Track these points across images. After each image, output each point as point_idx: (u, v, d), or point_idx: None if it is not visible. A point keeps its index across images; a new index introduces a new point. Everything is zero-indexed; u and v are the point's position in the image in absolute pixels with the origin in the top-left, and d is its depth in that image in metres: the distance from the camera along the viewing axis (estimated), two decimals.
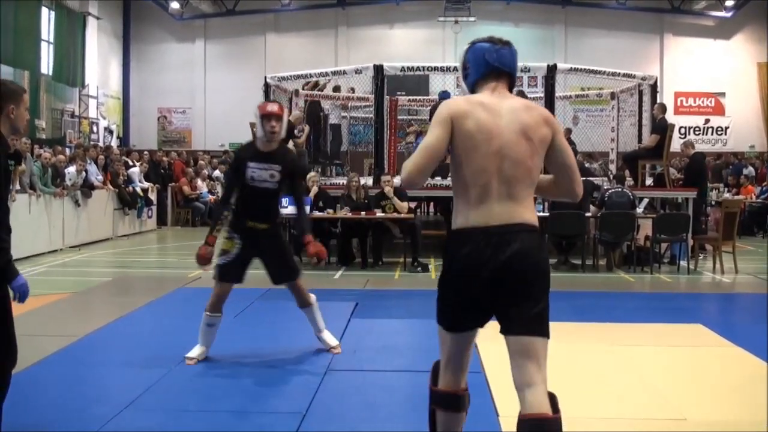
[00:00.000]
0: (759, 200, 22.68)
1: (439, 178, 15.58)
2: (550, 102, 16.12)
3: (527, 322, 4.05)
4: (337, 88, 19.90)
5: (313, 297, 7.85)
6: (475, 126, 3.96)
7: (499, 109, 4.03)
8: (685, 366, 7.37)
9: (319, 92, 19.37)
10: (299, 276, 7.64)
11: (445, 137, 3.97)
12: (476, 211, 3.97)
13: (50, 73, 27.26)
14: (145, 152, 25.39)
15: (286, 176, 7.24)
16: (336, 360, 7.37)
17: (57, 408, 5.95)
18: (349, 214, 14.12)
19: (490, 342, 7.83)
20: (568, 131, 19.87)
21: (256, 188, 7.17)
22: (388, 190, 14.23)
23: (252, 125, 16.46)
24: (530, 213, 4.07)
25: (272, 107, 7.35)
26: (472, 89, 4.24)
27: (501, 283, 3.96)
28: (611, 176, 16.15)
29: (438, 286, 4.20)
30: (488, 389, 6.40)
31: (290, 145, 16.34)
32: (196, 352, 7.35)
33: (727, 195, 22.10)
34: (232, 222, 7.35)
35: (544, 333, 4.14)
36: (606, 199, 14.12)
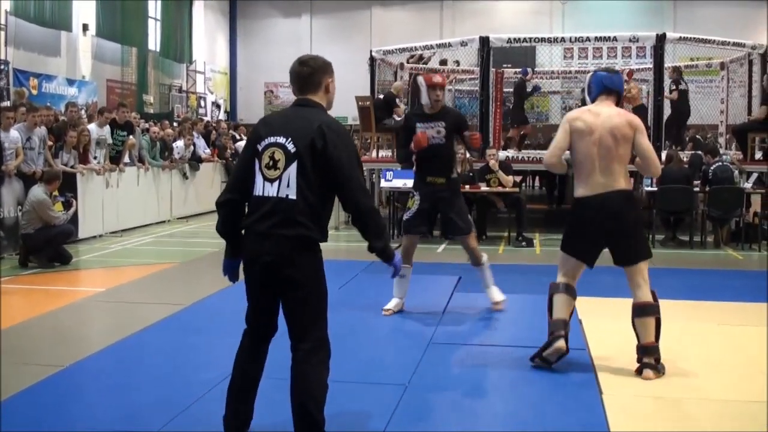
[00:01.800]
0: None
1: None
2: (658, 72, 15.81)
3: (635, 254, 6.30)
4: (443, 62, 19.86)
5: (485, 257, 8.47)
6: (582, 124, 6.19)
7: (599, 113, 6.22)
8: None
9: (424, 65, 19.36)
10: (470, 232, 8.23)
11: (567, 135, 6.26)
12: (584, 184, 6.23)
13: (158, 50, 27.81)
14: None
15: (453, 131, 8.10)
16: (439, 333, 7.40)
17: (164, 373, 6.13)
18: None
19: (595, 318, 7.87)
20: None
21: (428, 146, 7.97)
22: (493, 163, 14.17)
23: (358, 99, 16.61)
24: (622, 182, 6.21)
25: (437, 78, 8.13)
26: (593, 102, 6.40)
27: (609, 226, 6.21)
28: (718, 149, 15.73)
29: (566, 231, 6.57)
30: (592, 366, 6.36)
31: (394, 117, 16.41)
32: (392, 303, 8.31)
33: None
34: (414, 181, 8.33)
35: (644, 257, 6.33)
36: (711, 175, 13.84)
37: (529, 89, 18.50)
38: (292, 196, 4.32)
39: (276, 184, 4.35)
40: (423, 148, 7.99)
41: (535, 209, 17.62)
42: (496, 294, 8.50)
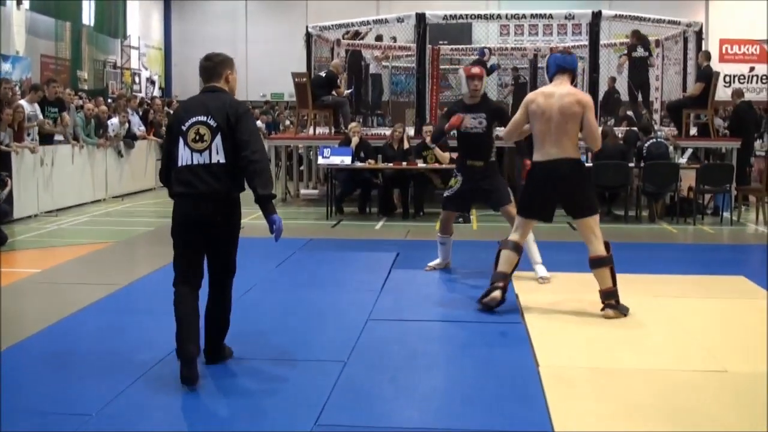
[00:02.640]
0: None
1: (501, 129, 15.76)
2: (594, 50, 15.94)
3: (581, 210, 7.34)
4: (379, 38, 19.80)
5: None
6: (536, 107, 7.24)
7: (552, 94, 7.25)
8: (727, 318, 7.33)
9: (361, 42, 19.30)
10: (510, 202, 8.84)
11: (525, 115, 7.38)
12: (539, 152, 7.30)
13: (92, 25, 27.35)
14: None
15: (492, 121, 8.87)
16: (377, 309, 7.42)
17: (100, 354, 6.05)
18: (391, 165, 14.11)
19: (532, 293, 7.96)
20: (612, 80, 19.65)
21: (470, 134, 8.79)
22: (430, 140, 14.21)
23: (295, 75, 16.54)
24: (571, 152, 7.25)
25: (476, 70, 8.92)
26: (551, 80, 7.46)
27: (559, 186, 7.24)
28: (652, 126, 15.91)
29: (523, 193, 7.68)
30: (529, 340, 6.42)
31: (333, 94, 16.37)
32: (435, 262, 9.36)
33: None
34: (457, 163, 9.18)
35: (590, 213, 7.32)
36: (645, 151, 14.02)
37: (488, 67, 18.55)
38: (222, 160, 5.47)
39: (206, 153, 5.47)
40: (457, 128, 8.77)
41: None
42: (541, 270, 8.80)
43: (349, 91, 17.89)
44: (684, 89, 17.00)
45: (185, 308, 5.55)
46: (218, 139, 5.47)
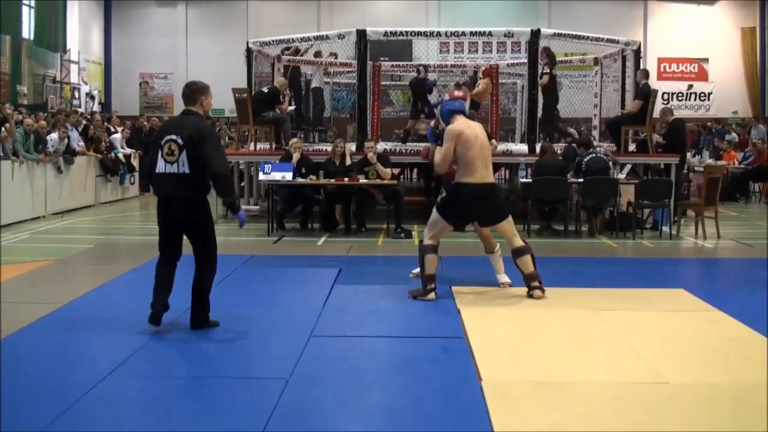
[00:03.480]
0: (741, 166, 22.73)
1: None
2: (533, 67, 16.08)
3: (494, 220, 8.59)
4: (318, 54, 19.79)
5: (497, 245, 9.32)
6: (467, 136, 8.33)
7: (471, 125, 8.49)
8: (667, 330, 7.40)
9: (301, 58, 19.28)
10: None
11: (453, 146, 8.34)
12: (472, 176, 8.32)
13: (31, 38, 27.00)
14: (127, 121, 25.16)
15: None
16: (320, 326, 7.37)
17: (41, 374, 5.93)
18: (332, 181, 14.09)
19: (474, 306, 7.98)
20: None
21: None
22: (372, 156, 14.23)
23: (235, 91, 16.45)
24: (491, 176, 8.59)
25: (461, 92, 9.34)
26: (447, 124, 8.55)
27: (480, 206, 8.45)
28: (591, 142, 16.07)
29: (446, 205, 8.65)
30: (471, 354, 6.42)
31: (275, 111, 16.33)
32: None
33: (709, 161, 22.17)
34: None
35: (504, 218, 8.58)
36: (584, 166, 14.15)
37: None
38: (187, 171, 6.95)
39: (175, 164, 6.97)
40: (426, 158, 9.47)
41: (413, 201, 17.70)
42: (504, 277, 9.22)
43: (292, 107, 17.85)
44: (622, 106, 17.20)
45: (160, 275, 7.26)
46: (184, 154, 6.93)
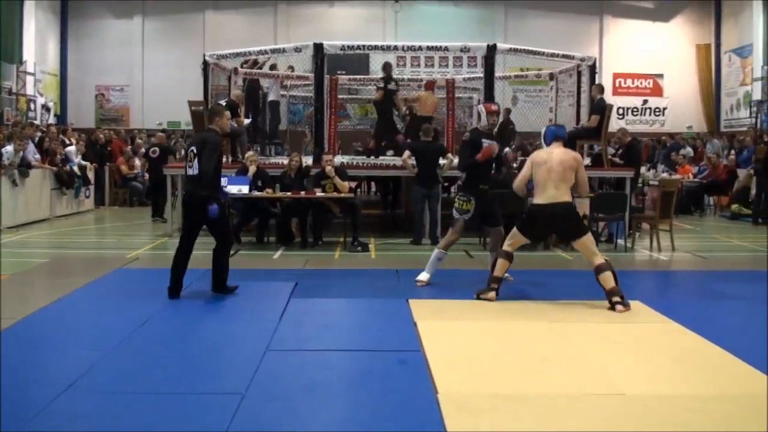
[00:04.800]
0: (696, 180, 22.98)
1: (391, 152, 16.90)
2: (489, 82, 16.17)
3: (571, 236, 9.31)
4: (273, 67, 19.77)
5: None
6: (540, 159, 9.14)
7: (551, 152, 9.17)
8: (623, 342, 7.46)
9: (258, 70, 19.25)
10: (501, 224, 10.46)
11: (530, 168, 9.22)
12: (540, 196, 9.10)
13: None
14: (82, 135, 24.92)
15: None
16: (276, 340, 7.35)
17: None
18: (289, 194, 14.05)
19: (431, 320, 8.00)
20: (507, 111, 19.98)
21: (488, 161, 10.25)
22: (330, 169, 14.22)
23: (191, 104, 16.39)
24: (566, 196, 9.07)
25: (494, 107, 10.56)
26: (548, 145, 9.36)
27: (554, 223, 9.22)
28: None
29: (525, 221, 9.33)
30: (428, 368, 6.43)
31: (233, 123, 16.28)
32: (424, 276, 10.17)
33: (664, 175, 22.39)
34: (467, 186, 10.29)
35: (583, 234, 9.13)
36: None
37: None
38: (195, 173, 9.08)
39: (191, 168, 9.14)
40: (490, 157, 10.16)
41: (370, 214, 17.73)
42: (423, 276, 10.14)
43: (249, 121, 17.81)
44: (578, 121, 17.33)
45: (177, 256, 9.25)
46: (195, 160, 9.08)
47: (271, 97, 19.93)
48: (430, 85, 18.39)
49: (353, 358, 6.98)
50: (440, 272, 9.51)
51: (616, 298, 8.68)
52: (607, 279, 8.79)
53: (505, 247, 9.38)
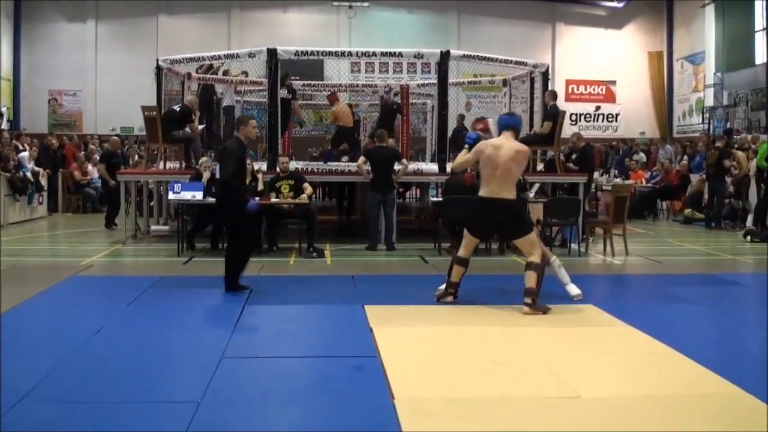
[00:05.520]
0: (649, 185, 23.23)
1: (346, 158, 17.03)
2: (442, 88, 16.22)
3: (512, 234, 9.41)
4: (226, 72, 19.69)
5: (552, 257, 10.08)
6: (486, 154, 9.09)
7: (500, 145, 9.13)
8: (578, 345, 7.52)
9: (213, 76, 19.16)
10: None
11: (474, 158, 9.32)
12: (484, 189, 9.13)
13: None
14: (35, 139, 24.66)
15: None
16: (231, 347, 7.32)
17: None
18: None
19: (386, 325, 8.02)
20: (461, 117, 20.09)
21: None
22: (285, 166, 14.27)
23: (144, 109, 16.30)
24: (508, 193, 9.06)
25: (479, 125, 10.60)
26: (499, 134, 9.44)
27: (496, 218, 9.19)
28: None
29: (471, 216, 9.51)
30: (384, 373, 6.44)
31: (186, 130, 16.21)
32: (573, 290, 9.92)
33: (617, 180, 22.61)
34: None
35: (524, 234, 9.18)
36: None
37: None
38: (218, 176, 10.80)
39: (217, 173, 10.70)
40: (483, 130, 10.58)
41: (326, 220, 17.72)
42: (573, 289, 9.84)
43: (203, 126, 17.73)
44: (531, 126, 17.43)
45: (238, 256, 10.15)
46: (217, 166, 10.93)
47: (225, 103, 19.87)
48: (334, 97, 18.58)
49: (309, 364, 6.99)
50: (396, 278, 9.54)
51: (528, 299, 8.79)
52: (529, 277, 8.92)
53: (461, 252, 9.43)
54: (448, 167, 15.14)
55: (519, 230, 9.23)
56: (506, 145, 9.15)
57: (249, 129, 10.16)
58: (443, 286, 9.47)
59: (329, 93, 19.69)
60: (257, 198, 10.39)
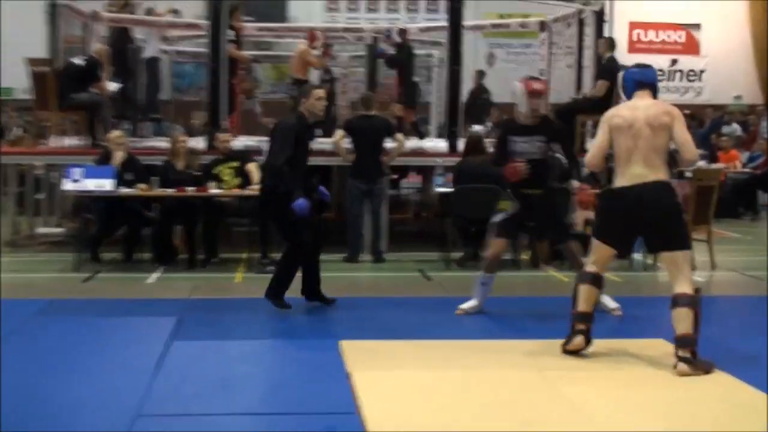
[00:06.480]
0: (747, 170, 23.09)
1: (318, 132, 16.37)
2: (455, 34, 16.19)
3: (666, 243, 8.56)
4: (150, 11, 19.64)
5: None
6: (620, 120, 8.69)
7: (636, 107, 8.71)
8: (646, 401, 7.36)
9: (130, 16, 19.09)
10: (571, 238, 10.80)
11: (607, 134, 8.78)
12: (623, 176, 8.56)
13: None
14: None
15: (554, 142, 10.62)
16: (151, 401, 7.26)
17: None
18: (172, 191, 13.92)
19: (370, 369, 8.00)
20: (480, 75, 20.08)
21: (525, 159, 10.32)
22: (225, 146, 14.27)
23: (32, 63, 16.22)
24: (662, 173, 8.53)
25: (538, 86, 10.59)
26: (629, 99, 8.91)
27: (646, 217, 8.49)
28: None
29: (603, 219, 8.93)
30: None
31: (91, 91, 16.15)
32: (469, 304, 10.52)
33: (701, 163, 22.57)
34: (511, 188, 10.60)
35: (681, 247, 8.53)
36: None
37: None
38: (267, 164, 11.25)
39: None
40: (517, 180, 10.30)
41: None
42: (610, 302, 10.46)
43: (117, 86, 17.61)
44: (578, 88, 17.42)
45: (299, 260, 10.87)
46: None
47: (147, 54, 19.79)
48: (311, 37, 18.40)
49: (262, 424, 6.96)
50: (385, 302, 9.51)
51: (685, 352, 8.16)
52: (683, 318, 8.27)
53: (588, 267, 8.89)
54: (460, 144, 15.11)
55: (677, 236, 8.54)
56: (645, 105, 8.73)
57: (312, 101, 10.65)
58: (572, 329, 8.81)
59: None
60: (307, 198, 10.48)
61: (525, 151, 10.34)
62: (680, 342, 8.18)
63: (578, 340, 8.57)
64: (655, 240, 8.71)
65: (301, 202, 10.30)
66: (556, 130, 10.83)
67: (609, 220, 8.78)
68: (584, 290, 8.71)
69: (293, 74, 17.79)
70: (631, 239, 9.03)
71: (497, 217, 10.64)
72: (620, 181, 8.58)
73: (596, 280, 8.74)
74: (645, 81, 8.94)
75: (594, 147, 9.12)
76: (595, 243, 8.84)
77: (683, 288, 8.33)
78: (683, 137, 8.60)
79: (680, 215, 8.83)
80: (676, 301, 8.31)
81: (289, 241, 10.77)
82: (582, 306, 8.67)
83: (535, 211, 10.48)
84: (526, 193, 10.39)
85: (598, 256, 8.81)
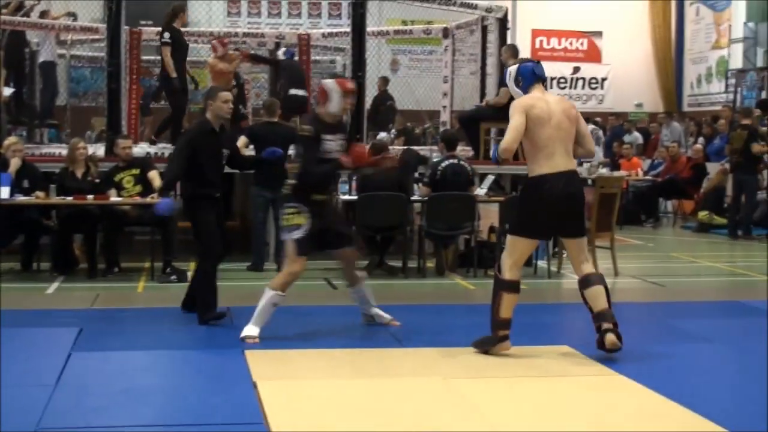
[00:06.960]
0: (648, 177, 23.34)
1: None
2: (358, 39, 16.19)
3: (576, 231, 9.18)
4: (45, 14, 19.44)
5: (363, 274, 10.30)
6: (540, 111, 8.85)
7: (548, 99, 9.03)
8: (549, 405, 7.41)
9: (24, 19, 18.87)
10: (351, 245, 10.25)
11: (524, 122, 8.85)
12: (545, 164, 8.85)
13: None
14: None
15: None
16: (50, 414, 7.17)
17: None
18: (70, 199, 13.78)
19: (276, 379, 7.98)
20: (384, 81, 20.10)
21: (323, 160, 9.87)
22: (127, 152, 14.13)
23: None
24: (575, 164, 9.13)
25: (351, 85, 10.58)
26: (526, 92, 9.11)
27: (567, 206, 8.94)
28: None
29: (526, 210, 9.13)
30: None
31: None
32: (255, 331, 9.52)
33: (603, 171, 22.77)
34: (297, 196, 9.85)
35: (584, 231, 9.34)
36: (438, 175, 14.25)
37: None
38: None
39: None
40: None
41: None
42: (384, 314, 10.18)
43: (10, 91, 17.42)
44: (482, 96, 17.48)
45: None
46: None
47: (43, 58, 19.59)
48: (219, 44, 18.36)
49: None
50: (291, 311, 9.47)
51: (608, 324, 8.71)
52: (599, 295, 8.89)
53: (506, 272, 9.01)
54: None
55: (583, 224, 9.48)
56: (554, 99, 9.24)
57: (219, 104, 10.31)
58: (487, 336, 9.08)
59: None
60: (166, 196, 10.54)
61: (332, 150, 10.00)
62: (602, 317, 8.74)
63: (506, 344, 8.87)
64: (569, 226, 9.10)
65: (163, 202, 10.35)
66: (347, 129, 11.02)
67: (533, 209, 8.97)
68: (508, 297, 8.93)
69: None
70: (554, 225, 9.20)
71: (294, 234, 9.77)
72: (542, 169, 8.83)
73: (514, 287, 9.00)
74: (542, 75, 9.22)
75: (511, 132, 9.00)
76: (515, 241, 9.08)
77: (590, 269, 9.13)
78: (586, 130, 9.36)
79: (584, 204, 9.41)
80: (588, 281, 8.95)
81: (199, 248, 10.64)
82: (505, 313, 8.89)
83: (326, 219, 10.00)
84: (316, 199, 9.89)
85: (518, 254, 9.10)
